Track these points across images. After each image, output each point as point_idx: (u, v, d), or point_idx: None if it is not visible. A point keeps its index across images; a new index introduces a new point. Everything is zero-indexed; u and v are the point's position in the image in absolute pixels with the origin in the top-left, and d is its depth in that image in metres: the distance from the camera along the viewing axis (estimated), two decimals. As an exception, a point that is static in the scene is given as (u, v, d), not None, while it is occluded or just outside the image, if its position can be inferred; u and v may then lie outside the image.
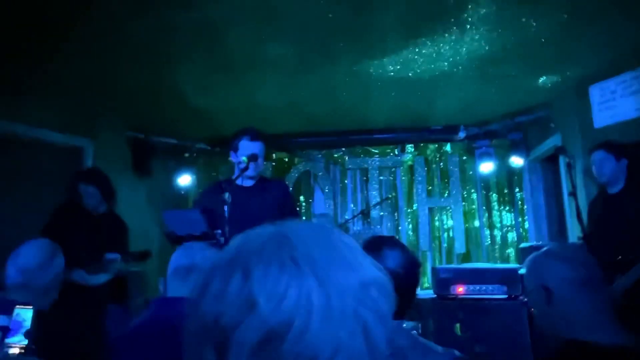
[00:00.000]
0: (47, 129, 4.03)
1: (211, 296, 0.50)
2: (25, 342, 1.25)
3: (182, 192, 5.29)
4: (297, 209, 2.77)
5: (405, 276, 1.31)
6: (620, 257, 2.47)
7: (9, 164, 3.73)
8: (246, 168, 2.55)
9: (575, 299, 1.23)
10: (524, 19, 2.90)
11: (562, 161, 4.09)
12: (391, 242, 1.38)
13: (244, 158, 2.53)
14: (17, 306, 1.27)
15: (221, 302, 0.49)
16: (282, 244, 0.52)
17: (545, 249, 1.41)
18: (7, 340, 1.22)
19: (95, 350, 1.72)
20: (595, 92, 3.68)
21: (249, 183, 2.75)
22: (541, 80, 3.87)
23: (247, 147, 2.69)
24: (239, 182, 2.66)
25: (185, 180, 5.13)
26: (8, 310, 1.24)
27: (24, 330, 1.25)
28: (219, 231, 2.43)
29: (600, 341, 1.15)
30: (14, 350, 1.22)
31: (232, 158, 2.80)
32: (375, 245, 1.34)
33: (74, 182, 3.22)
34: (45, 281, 1.52)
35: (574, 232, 4.00)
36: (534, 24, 2.93)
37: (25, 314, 1.26)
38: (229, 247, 0.56)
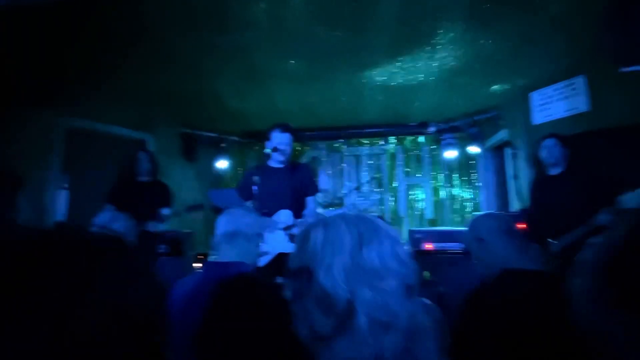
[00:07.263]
0: (119, 126, 4.02)
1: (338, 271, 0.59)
2: None
3: (220, 173, 5.29)
4: (317, 185, 2.71)
5: None
6: (563, 224, 2.41)
7: (91, 153, 3.76)
8: (269, 156, 2.54)
9: (498, 242, 1.32)
10: (482, 41, 2.83)
11: (508, 151, 4.06)
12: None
13: (269, 150, 2.50)
14: None
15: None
16: (375, 229, 0.66)
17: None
18: None
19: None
20: (536, 97, 3.61)
21: (280, 165, 2.60)
22: (494, 87, 3.80)
23: (277, 137, 2.54)
24: (272, 164, 2.58)
25: (222, 164, 5.12)
26: None
27: None
28: (250, 203, 2.45)
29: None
30: None
31: (266, 146, 2.59)
32: None
33: (135, 151, 3.24)
34: None
35: (514, 205, 4.01)
36: (490, 44, 2.87)
37: None
38: (330, 236, 0.64)
